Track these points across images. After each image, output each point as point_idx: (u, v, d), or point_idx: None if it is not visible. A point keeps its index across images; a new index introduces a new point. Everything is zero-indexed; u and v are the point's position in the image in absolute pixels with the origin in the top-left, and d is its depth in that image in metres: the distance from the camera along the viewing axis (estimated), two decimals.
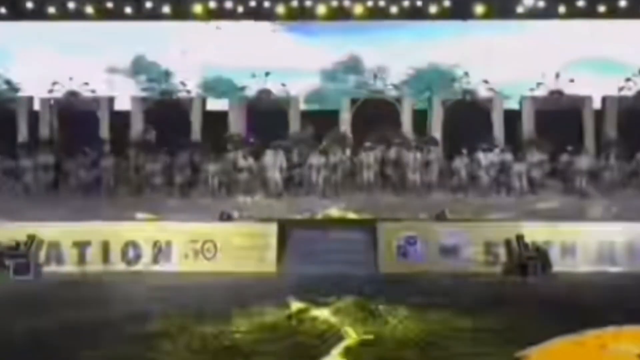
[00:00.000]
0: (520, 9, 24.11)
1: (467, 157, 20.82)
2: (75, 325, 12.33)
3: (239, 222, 18.27)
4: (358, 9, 24.07)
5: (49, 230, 17.43)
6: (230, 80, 25.18)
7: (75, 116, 22.41)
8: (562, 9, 23.96)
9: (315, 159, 20.65)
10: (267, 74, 22.11)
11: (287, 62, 23.60)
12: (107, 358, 10.70)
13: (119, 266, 17.33)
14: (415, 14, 24.21)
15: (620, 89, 22.31)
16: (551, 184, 20.61)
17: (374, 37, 24.72)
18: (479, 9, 24.06)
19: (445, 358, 10.59)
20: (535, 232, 17.18)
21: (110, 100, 22.98)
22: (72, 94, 22.61)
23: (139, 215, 18.80)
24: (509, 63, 23.75)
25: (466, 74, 22.77)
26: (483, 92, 22.42)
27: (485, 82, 22.22)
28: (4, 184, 20.78)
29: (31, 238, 17.02)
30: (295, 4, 24.07)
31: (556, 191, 20.31)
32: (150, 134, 21.68)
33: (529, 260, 16.60)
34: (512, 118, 22.35)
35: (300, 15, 24.31)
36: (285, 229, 17.67)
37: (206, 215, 18.67)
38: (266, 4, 24.11)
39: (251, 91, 22.73)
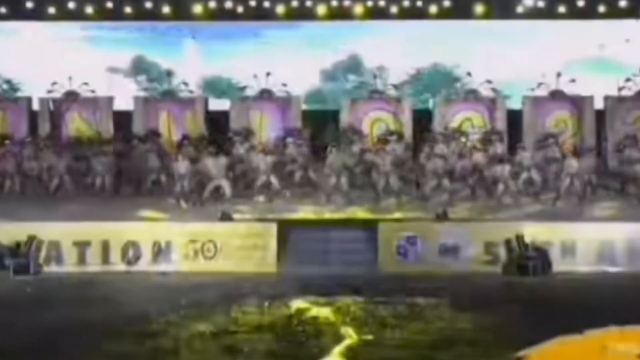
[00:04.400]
0: (520, 9, 24.11)
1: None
2: (75, 325, 12.34)
3: (239, 222, 18.25)
4: (358, 9, 24.06)
5: (49, 230, 17.41)
6: (230, 80, 25.20)
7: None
8: (562, 9, 23.96)
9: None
10: (268, 74, 22.11)
11: (287, 62, 23.61)
12: (107, 358, 10.70)
13: (119, 266, 17.32)
14: (415, 14, 24.20)
15: (620, 89, 22.31)
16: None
17: (374, 37, 24.71)
18: (479, 9, 24.06)
19: (445, 358, 10.59)
20: (535, 232, 17.17)
21: (110, 100, 22.97)
22: (72, 94, 22.60)
23: (141, 214, 18.75)
24: (508, 63, 23.77)
25: (469, 74, 22.75)
26: (485, 92, 22.40)
27: (488, 82, 22.21)
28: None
29: (31, 238, 17.01)
30: (295, 4, 24.07)
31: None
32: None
33: (529, 260, 16.59)
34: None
35: (300, 15, 24.30)
36: (285, 229, 17.66)
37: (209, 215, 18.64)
38: (266, 4, 24.10)
39: (252, 91, 22.73)
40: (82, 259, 17.42)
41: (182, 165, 19.69)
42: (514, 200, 19.37)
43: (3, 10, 24.08)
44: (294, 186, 20.21)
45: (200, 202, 19.43)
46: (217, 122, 22.55)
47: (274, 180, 19.80)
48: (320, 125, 22.33)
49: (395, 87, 23.52)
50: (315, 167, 20.67)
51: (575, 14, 24.06)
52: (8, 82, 24.18)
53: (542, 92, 22.30)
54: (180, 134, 22.08)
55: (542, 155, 20.86)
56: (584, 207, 19.09)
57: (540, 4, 23.97)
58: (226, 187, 19.53)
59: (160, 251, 17.43)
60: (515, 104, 22.65)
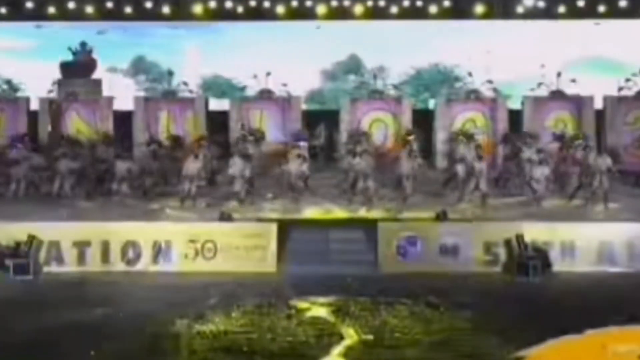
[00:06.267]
0: (520, 9, 24.13)
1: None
2: (75, 325, 12.34)
3: (239, 222, 18.25)
4: (358, 9, 24.08)
5: (49, 230, 17.39)
6: (230, 80, 25.23)
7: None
8: (562, 9, 23.98)
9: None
10: (268, 74, 22.11)
11: (287, 62, 23.62)
12: (107, 358, 10.71)
13: (119, 266, 17.30)
14: (415, 14, 24.22)
15: (620, 89, 22.32)
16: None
17: (374, 37, 24.73)
18: (479, 9, 24.08)
19: (446, 358, 10.61)
20: (535, 232, 17.15)
21: (110, 100, 22.98)
22: (72, 94, 22.60)
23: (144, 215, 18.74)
24: (508, 63, 23.78)
25: (469, 74, 22.75)
26: (486, 92, 22.41)
27: (489, 82, 22.22)
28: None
29: (31, 238, 16.98)
30: (295, 4, 24.08)
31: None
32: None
33: (529, 260, 16.57)
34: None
35: (300, 15, 24.31)
36: (285, 229, 17.64)
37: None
38: (266, 4, 24.12)
39: (252, 91, 22.74)
40: (82, 259, 17.38)
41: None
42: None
43: (3, 10, 24.08)
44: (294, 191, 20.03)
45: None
46: (217, 122, 22.54)
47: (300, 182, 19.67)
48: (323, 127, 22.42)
49: (395, 87, 23.54)
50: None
51: (575, 14, 24.09)
52: (8, 82, 24.20)
53: (542, 92, 22.33)
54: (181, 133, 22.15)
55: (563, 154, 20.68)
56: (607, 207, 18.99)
57: (540, 4, 23.99)
58: (241, 188, 19.44)
59: (160, 251, 17.42)
60: (515, 104, 22.67)
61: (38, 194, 19.95)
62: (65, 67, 24.19)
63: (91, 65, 24.50)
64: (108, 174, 20.14)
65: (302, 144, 20.83)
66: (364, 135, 21.35)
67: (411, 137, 20.74)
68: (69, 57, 24.19)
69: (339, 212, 19.03)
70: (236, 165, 19.44)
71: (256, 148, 20.91)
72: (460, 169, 19.78)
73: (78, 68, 24.20)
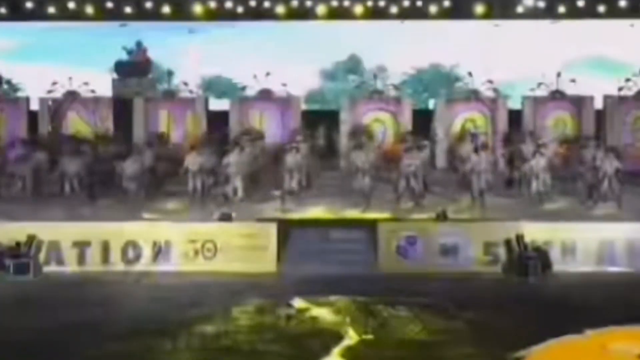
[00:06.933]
0: (520, 9, 24.12)
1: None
2: (75, 325, 12.34)
3: (239, 222, 18.24)
4: (358, 9, 24.07)
5: (49, 230, 17.39)
6: (230, 80, 25.22)
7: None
8: (562, 9, 23.97)
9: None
10: (268, 74, 22.11)
11: (287, 62, 23.62)
12: (107, 358, 10.72)
13: (119, 266, 17.30)
14: (415, 14, 24.21)
15: (620, 89, 22.32)
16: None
17: (374, 37, 24.73)
18: (479, 9, 24.07)
19: (445, 358, 10.61)
20: (535, 232, 17.14)
21: (110, 100, 22.97)
22: (72, 94, 22.60)
23: (145, 215, 18.73)
24: (508, 63, 23.78)
25: (469, 74, 22.75)
26: (486, 92, 22.41)
27: (489, 82, 22.22)
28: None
29: (31, 238, 16.98)
30: (295, 4, 24.07)
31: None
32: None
33: (529, 260, 16.58)
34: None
35: (300, 15, 24.30)
36: (285, 229, 17.64)
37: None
38: (266, 4, 24.11)
39: (252, 91, 22.74)
40: (82, 259, 17.38)
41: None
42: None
43: (3, 10, 24.07)
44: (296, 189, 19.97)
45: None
46: (217, 122, 22.53)
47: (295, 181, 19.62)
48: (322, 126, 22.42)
49: (395, 87, 23.54)
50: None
51: (575, 14, 24.08)
52: (8, 82, 24.19)
53: (542, 92, 22.33)
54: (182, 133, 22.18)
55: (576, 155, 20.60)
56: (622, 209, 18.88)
57: (540, 4, 23.98)
58: (240, 187, 19.41)
59: (160, 251, 17.42)
60: (515, 104, 22.67)
61: (39, 194, 19.94)
62: (120, 66, 24.32)
63: (147, 64, 24.62)
64: (110, 174, 20.15)
65: (298, 139, 20.81)
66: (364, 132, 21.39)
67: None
68: (123, 56, 24.65)
69: (341, 212, 19.05)
70: (235, 164, 19.43)
71: (254, 147, 20.88)
72: (464, 166, 19.89)
73: (133, 68, 24.33)
